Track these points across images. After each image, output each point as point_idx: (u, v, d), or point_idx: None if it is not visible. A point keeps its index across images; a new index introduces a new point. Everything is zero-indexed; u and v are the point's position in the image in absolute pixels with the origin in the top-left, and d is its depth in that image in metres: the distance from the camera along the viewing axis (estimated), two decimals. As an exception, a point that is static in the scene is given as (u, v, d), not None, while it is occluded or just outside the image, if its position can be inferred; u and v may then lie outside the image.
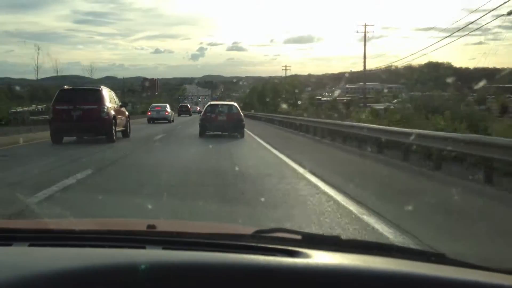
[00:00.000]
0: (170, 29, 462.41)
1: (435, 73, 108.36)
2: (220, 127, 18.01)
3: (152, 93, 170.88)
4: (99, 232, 1.46)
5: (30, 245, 1.29)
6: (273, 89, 59.61)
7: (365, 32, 39.83)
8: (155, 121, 34.74)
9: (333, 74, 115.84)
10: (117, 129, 15.78)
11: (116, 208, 5.28)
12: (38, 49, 57.09)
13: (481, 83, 41.16)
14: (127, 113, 18.13)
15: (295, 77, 60.67)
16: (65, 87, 16.23)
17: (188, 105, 70.53)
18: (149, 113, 36.61)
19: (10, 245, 1.29)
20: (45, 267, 1.06)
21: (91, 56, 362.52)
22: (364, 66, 39.68)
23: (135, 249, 1.24)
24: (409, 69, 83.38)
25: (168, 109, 37.42)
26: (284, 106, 41.05)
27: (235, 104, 20.02)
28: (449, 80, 42.23)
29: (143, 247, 1.25)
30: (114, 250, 1.24)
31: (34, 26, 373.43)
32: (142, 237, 1.34)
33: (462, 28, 49.06)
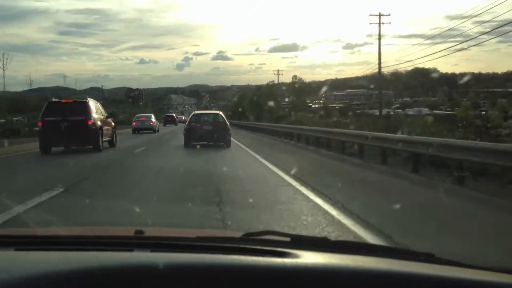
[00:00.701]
0: (155, 39, 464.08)
1: (422, 78, 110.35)
2: (206, 137, 17.71)
3: (136, 103, 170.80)
4: (85, 237, 1.49)
5: (15, 250, 1.30)
6: (267, 95, 57.54)
7: (379, 27, 38.95)
8: (140, 131, 34.86)
9: (320, 82, 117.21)
10: (103, 139, 16.69)
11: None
12: (6, 59, 57.89)
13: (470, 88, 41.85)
14: (113, 123, 19.07)
15: (291, 83, 60.25)
16: (53, 99, 17.15)
17: (174, 114, 71.25)
18: (134, 123, 36.70)
19: None
20: (31, 270, 1.07)
21: (75, 67, 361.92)
22: (380, 69, 39.67)
23: (123, 252, 1.25)
24: (396, 75, 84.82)
25: (153, 119, 37.50)
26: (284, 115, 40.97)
27: (221, 113, 19.91)
28: (438, 85, 43.22)
29: (131, 250, 1.26)
30: (101, 253, 1.24)
31: (17, 38, 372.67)
32: (129, 241, 1.36)
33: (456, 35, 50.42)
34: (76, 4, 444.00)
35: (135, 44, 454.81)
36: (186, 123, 19.52)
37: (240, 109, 69.22)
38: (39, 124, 15.93)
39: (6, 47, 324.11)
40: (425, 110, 45.31)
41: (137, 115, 40.88)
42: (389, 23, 44.80)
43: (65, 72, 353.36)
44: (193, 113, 20.41)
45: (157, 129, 37.25)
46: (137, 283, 1.04)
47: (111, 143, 18.25)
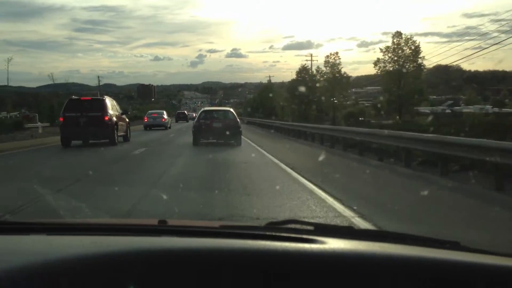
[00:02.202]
0: (169, 36, 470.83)
1: (445, 76, 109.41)
2: (215, 134, 17.64)
3: (148, 99, 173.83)
4: (114, 224, 1.62)
5: (48, 235, 1.41)
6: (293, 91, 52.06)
7: None
8: (152, 128, 36.13)
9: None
10: (118, 134, 18.79)
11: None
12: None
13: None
14: (127, 119, 21.22)
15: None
16: (73, 97, 19.32)
17: (185, 111, 73.59)
18: (146, 120, 37.89)
19: (28, 235, 1.41)
20: (64, 253, 1.15)
21: (90, 64, 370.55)
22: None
23: (151, 237, 1.33)
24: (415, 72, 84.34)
25: (165, 116, 38.54)
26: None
27: (231, 109, 19.86)
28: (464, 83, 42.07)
29: (159, 236, 1.34)
30: (130, 237, 1.34)
31: (34, 34, 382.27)
32: (155, 228, 1.46)
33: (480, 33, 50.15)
34: (91, 1, 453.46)
35: (150, 41, 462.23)
36: (195, 120, 19.39)
37: (255, 105, 67.86)
38: (61, 119, 18.12)
39: (22, 44, 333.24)
40: (488, 108, 44.42)
41: (149, 111, 42.21)
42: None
43: (80, 69, 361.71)
44: (202, 109, 20.27)
45: (169, 125, 38.44)
46: (166, 266, 1.09)
47: (125, 138, 20.36)
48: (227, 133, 17.35)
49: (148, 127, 36.44)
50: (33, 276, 1.04)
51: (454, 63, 75.25)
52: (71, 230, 1.50)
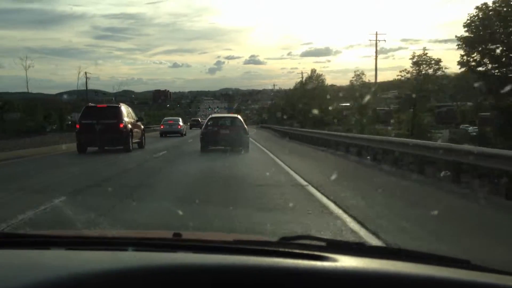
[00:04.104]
0: (188, 43, 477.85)
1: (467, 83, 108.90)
2: (223, 141, 18.35)
3: (163, 105, 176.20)
4: (131, 238, 1.69)
5: (67, 249, 1.48)
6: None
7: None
8: (168, 135, 37.47)
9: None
10: (133, 141, 19.80)
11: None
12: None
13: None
14: (142, 126, 22.25)
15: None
16: (90, 104, 20.42)
17: (199, 119, 75.42)
18: (162, 127, 39.32)
19: (48, 249, 1.48)
20: (83, 269, 1.22)
21: (110, 70, 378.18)
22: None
23: (167, 253, 1.41)
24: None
25: (181, 123, 40.03)
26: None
27: (239, 116, 20.78)
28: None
29: (175, 251, 1.42)
30: (147, 253, 1.40)
31: (55, 42, 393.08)
32: (170, 243, 1.54)
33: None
34: (112, 9, 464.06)
35: (169, 48, 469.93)
36: (203, 127, 20.13)
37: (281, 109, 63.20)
38: (77, 126, 19.21)
39: (44, 51, 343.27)
40: None
41: (165, 118, 43.76)
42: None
43: (100, 76, 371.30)
44: (210, 116, 21.17)
45: (184, 132, 39.79)
46: (182, 283, 1.17)
47: (140, 145, 21.41)
48: (235, 140, 18.18)
49: (164, 134, 37.77)
50: None
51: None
52: (88, 244, 1.57)
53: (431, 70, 40.55)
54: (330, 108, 50.96)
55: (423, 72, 40.61)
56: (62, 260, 1.38)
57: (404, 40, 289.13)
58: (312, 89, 58.96)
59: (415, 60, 40.72)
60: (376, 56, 49.20)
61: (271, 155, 17.20)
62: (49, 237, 1.66)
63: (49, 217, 6.20)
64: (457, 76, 41.16)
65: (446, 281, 1.19)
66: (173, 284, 1.16)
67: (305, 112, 53.25)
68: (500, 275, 1.29)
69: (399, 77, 41.57)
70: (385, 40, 49.55)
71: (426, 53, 41.03)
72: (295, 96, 63.23)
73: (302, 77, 68.76)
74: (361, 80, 50.92)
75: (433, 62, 40.43)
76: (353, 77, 51.16)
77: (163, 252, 1.42)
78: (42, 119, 54.68)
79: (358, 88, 48.85)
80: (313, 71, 63.75)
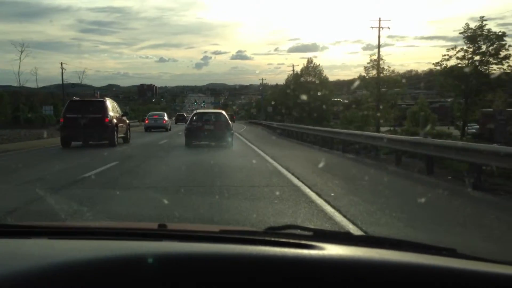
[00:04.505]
0: (174, 38, 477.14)
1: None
2: (207, 136, 18.76)
3: (149, 99, 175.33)
4: (114, 228, 1.68)
5: (49, 239, 1.48)
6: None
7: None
8: (152, 130, 37.39)
9: (342, 81, 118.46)
10: (118, 135, 19.78)
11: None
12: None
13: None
14: (127, 121, 22.22)
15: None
16: (74, 98, 20.36)
17: (184, 114, 75.58)
18: (147, 121, 39.33)
19: (29, 238, 1.48)
20: (64, 257, 1.20)
21: (96, 65, 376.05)
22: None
23: (152, 242, 1.41)
24: (430, 74, 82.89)
25: (166, 118, 39.93)
26: None
27: (223, 112, 21.15)
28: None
29: (160, 240, 1.41)
30: (131, 242, 1.41)
31: (40, 35, 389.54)
32: (155, 233, 1.54)
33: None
34: (98, 2, 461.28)
35: (155, 42, 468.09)
36: (187, 122, 20.45)
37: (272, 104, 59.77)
38: (61, 120, 19.14)
39: (29, 44, 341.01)
40: None
41: (150, 113, 43.92)
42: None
43: (85, 69, 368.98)
44: (195, 111, 21.60)
45: (169, 127, 39.69)
46: (167, 271, 1.15)
47: (125, 139, 21.38)
48: (219, 135, 18.64)
49: (149, 129, 37.69)
50: (33, 281, 1.09)
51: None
52: (72, 234, 1.58)
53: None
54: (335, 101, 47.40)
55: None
56: (43, 249, 1.37)
57: (390, 36, 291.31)
58: (311, 82, 54.54)
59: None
60: (379, 45, 42.80)
61: (297, 181, 9.26)
62: (31, 227, 1.65)
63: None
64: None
65: (431, 268, 1.21)
66: (157, 273, 1.15)
67: (303, 107, 49.95)
68: (486, 263, 1.31)
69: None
70: (389, 27, 45.44)
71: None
72: (289, 89, 59.55)
73: (293, 70, 65.97)
74: (373, 70, 43.75)
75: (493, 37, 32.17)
76: (368, 63, 44.35)
77: (148, 241, 1.42)
78: (10, 112, 54.39)
79: (371, 81, 42.57)
80: (310, 61, 59.92)
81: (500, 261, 1.33)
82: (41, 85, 59.25)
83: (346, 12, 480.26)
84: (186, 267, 1.17)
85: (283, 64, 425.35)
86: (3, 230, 1.61)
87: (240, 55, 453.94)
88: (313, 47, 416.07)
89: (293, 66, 67.86)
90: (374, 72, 43.50)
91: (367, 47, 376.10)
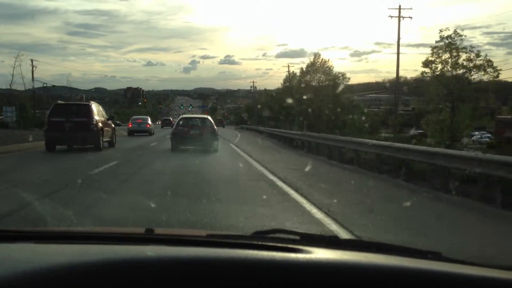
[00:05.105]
0: (162, 42, 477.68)
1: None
2: (193, 141, 19.15)
3: (136, 103, 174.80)
4: (101, 233, 1.70)
5: (34, 243, 1.48)
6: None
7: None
8: (136, 134, 37.26)
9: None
10: (104, 139, 20.01)
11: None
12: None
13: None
14: (113, 125, 22.47)
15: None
16: (59, 101, 20.61)
17: (171, 118, 76.25)
18: (130, 125, 38.91)
19: (14, 243, 1.49)
20: (50, 262, 1.21)
21: (82, 67, 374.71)
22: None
23: (139, 246, 1.41)
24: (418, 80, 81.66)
25: (149, 122, 39.87)
26: None
27: (209, 117, 21.72)
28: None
29: (146, 245, 1.43)
30: (117, 246, 1.42)
31: (26, 37, 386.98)
32: (142, 237, 1.55)
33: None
34: (85, 5, 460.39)
35: (143, 46, 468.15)
36: (173, 127, 20.90)
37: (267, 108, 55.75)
38: (46, 124, 19.31)
39: (15, 46, 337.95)
40: None
41: (133, 117, 43.50)
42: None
43: (72, 72, 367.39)
44: (181, 116, 22.04)
45: (152, 132, 39.53)
46: (153, 275, 1.15)
47: (111, 143, 21.58)
48: (205, 140, 19.02)
49: (132, 133, 37.59)
50: (19, 285, 1.09)
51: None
52: (58, 238, 1.57)
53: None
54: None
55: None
56: (29, 254, 1.38)
57: (377, 43, 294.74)
58: (324, 86, 47.40)
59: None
60: (399, 39, 39.46)
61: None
62: (16, 232, 1.65)
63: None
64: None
65: (417, 271, 1.24)
66: (145, 277, 1.15)
67: (314, 112, 42.93)
68: (471, 266, 1.35)
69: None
70: (411, 17, 39.74)
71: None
72: (292, 91, 52.25)
73: (289, 72, 60.37)
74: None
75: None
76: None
77: (135, 245, 1.43)
78: None
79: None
80: (317, 55, 50.36)
81: (485, 265, 1.38)
82: (28, 87, 58.72)
83: (333, 18, 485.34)
84: (174, 271, 1.18)
85: (271, 69, 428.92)
86: None
87: (228, 60, 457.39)
88: (301, 53, 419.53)
89: (288, 66, 62.74)
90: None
91: (355, 54, 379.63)
